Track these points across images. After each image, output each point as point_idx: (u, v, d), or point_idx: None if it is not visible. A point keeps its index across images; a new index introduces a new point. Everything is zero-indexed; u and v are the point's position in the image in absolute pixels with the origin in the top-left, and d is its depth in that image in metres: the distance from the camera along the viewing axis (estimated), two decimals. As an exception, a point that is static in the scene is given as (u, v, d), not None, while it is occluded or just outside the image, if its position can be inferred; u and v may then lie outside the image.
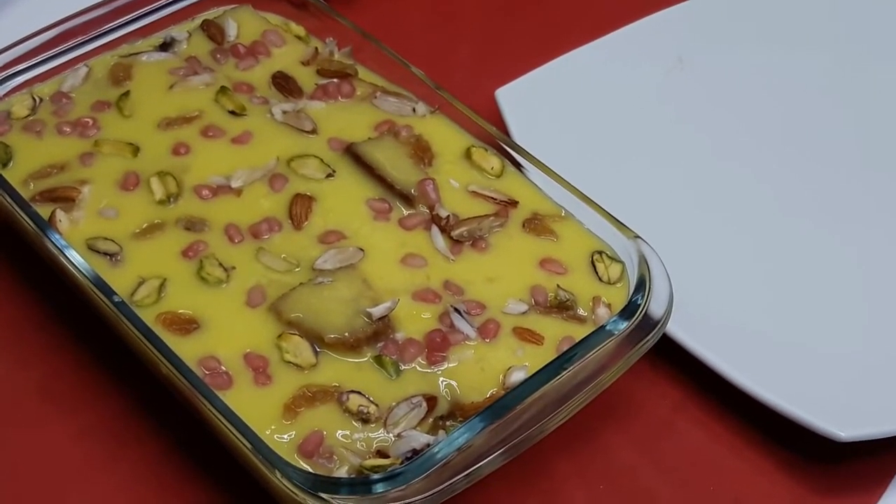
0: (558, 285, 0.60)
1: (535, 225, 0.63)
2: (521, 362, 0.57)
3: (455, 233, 0.62)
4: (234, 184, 0.64)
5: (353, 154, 0.66)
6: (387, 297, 0.59)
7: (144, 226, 0.62)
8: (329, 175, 0.65)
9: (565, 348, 0.57)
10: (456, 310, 0.58)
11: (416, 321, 0.58)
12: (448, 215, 0.62)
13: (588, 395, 0.56)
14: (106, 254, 0.60)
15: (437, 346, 0.57)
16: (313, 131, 0.67)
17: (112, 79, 0.70)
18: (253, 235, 0.62)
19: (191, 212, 0.62)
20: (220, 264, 0.60)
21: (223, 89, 0.68)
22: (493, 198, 0.64)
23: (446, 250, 0.61)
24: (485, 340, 0.58)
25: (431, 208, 0.63)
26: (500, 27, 0.87)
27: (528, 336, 0.58)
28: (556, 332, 0.58)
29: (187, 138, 0.66)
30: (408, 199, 0.63)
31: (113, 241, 0.61)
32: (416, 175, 0.64)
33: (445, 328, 0.58)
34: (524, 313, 0.59)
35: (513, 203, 0.64)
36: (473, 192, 0.64)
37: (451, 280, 0.60)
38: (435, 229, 0.62)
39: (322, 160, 0.65)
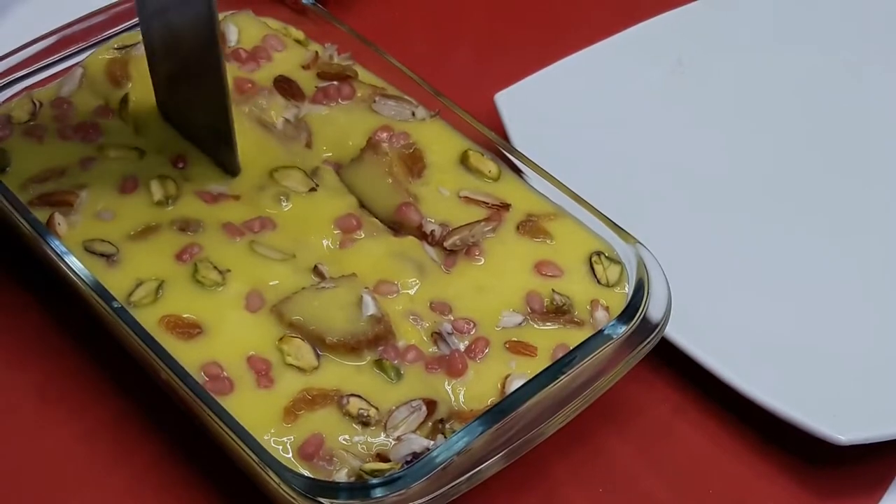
0: (553, 290, 0.60)
1: (530, 227, 0.63)
2: (515, 372, 0.57)
3: (448, 243, 0.62)
4: (233, 192, 0.64)
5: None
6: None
7: (140, 228, 0.62)
8: (312, 189, 0.65)
9: (560, 356, 0.57)
10: (440, 333, 0.58)
11: (412, 335, 0.59)
12: (433, 229, 0.62)
13: (587, 398, 0.56)
14: (103, 255, 0.60)
15: (433, 364, 0.58)
16: (308, 145, 0.67)
17: (110, 78, 0.70)
18: (248, 231, 0.62)
19: (186, 213, 0.63)
20: (216, 267, 0.60)
21: None
22: (484, 202, 0.64)
23: (440, 263, 0.62)
24: (475, 360, 0.58)
25: (418, 227, 0.63)
26: (499, 31, 0.87)
27: (521, 349, 0.58)
28: (551, 342, 0.58)
29: (185, 151, 0.66)
30: (393, 227, 0.64)
31: (109, 242, 0.61)
32: (395, 199, 0.64)
33: (437, 349, 0.58)
34: (519, 325, 0.59)
35: (505, 206, 0.64)
36: (466, 197, 0.64)
37: (440, 298, 0.60)
38: (426, 245, 0.62)
39: (305, 173, 0.65)
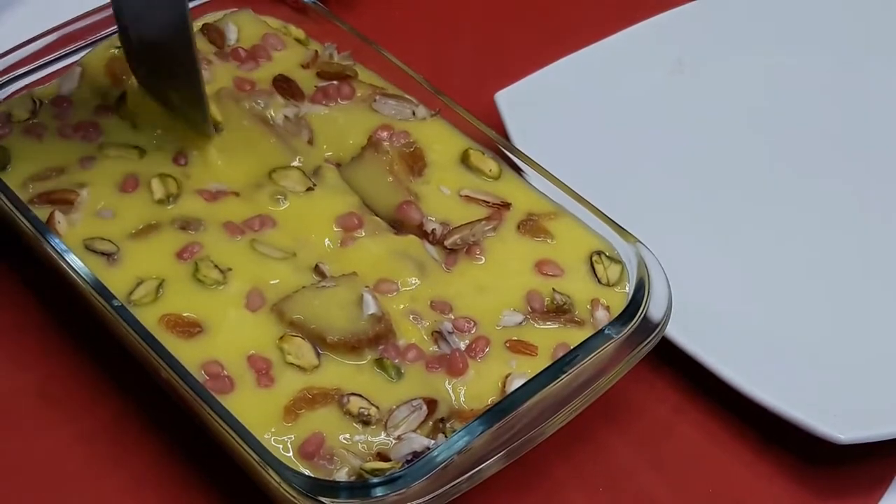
0: (554, 289, 0.60)
1: (531, 226, 0.63)
2: (516, 371, 0.57)
3: (448, 242, 0.62)
4: (232, 188, 0.64)
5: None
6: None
7: (140, 227, 0.62)
8: (309, 188, 0.65)
9: (560, 355, 0.57)
10: (440, 332, 0.58)
11: (413, 334, 0.59)
12: (434, 228, 0.63)
13: (587, 398, 0.56)
14: (103, 253, 0.60)
15: (433, 363, 0.58)
16: (310, 142, 0.67)
17: (109, 75, 0.70)
18: (249, 229, 0.62)
19: (187, 212, 0.63)
20: (216, 266, 0.60)
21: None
22: (485, 201, 0.64)
23: (441, 262, 0.62)
24: (475, 359, 0.58)
25: (419, 226, 0.63)
26: (499, 30, 0.87)
27: (521, 348, 0.58)
28: (552, 341, 0.58)
29: (187, 148, 0.66)
30: (393, 226, 0.64)
31: (110, 241, 0.61)
32: (396, 197, 0.64)
33: (437, 348, 0.58)
34: (520, 324, 0.59)
35: (506, 205, 0.64)
36: (466, 196, 0.64)
37: (441, 297, 0.60)
38: (427, 244, 0.62)
39: (304, 173, 0.65)
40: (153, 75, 0.67)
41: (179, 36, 0.62)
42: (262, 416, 0.54)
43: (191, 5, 0.74)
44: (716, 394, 0.63)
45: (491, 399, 0.56)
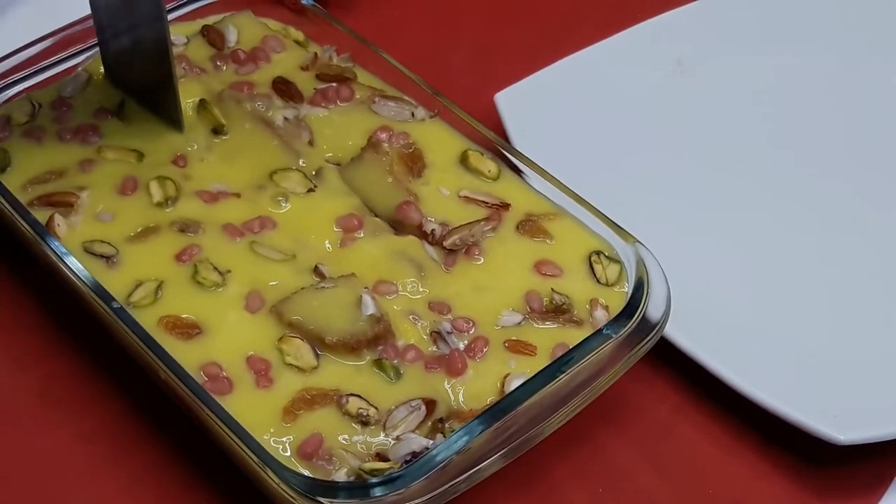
0: (553, 289, 0.60)
1: (530, 226, 0.63)
2: (515, 371, 0.57)
3: (447, 242, 0.62)
4: (233, 189, 0.64)
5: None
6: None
7: (140, 229, 0.62)
8: (310, 190, 0.65)
9: (559, 355, 0.57)
10: (439, 332, 0.58)
11: (412, 334, 0.59)
12: (434, 228, 0.63)
13: (586, 397, 0.56)
14: (102, 256, 0.60)
15: (432, 364, 0.58)
16: (310, 143, 0.67)
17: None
18: (248, 231, 0.62)
19: (186, 214, 0.63)
20: (216, 268, 0.60)
21: (202, 102, 0.68)
22: (484, 201, 0.64)
23: (440, 262, 0.62)
24: (474, 359, 0.58)
25: (419, 226, 0.63)
26: (499, 31, 0.87)
27: (520, 348, 0.58)
28: (550, 341, 0.58)
29: (185, 150, 0.67)
30: (393, 226, 0.64)
31: (109, 243, 0.61)
32: (396, 197, 0.64)
33: (436, 349, 0.58)
34: (519, 324, 0.59)
35: (505, 206, 0.64)
36: (465, 197, 0.64)
37: (440, 297, 0.60)
38: (426, 244, 0.62)
39: (304, 174, 0.65)
40: (125, 66, 0.68)
41: (150, 20, 0.64)
42: (260, 417, 0.54)
43: (191, 7, 0.75)
44: (715, 394, 0.63)
45: (490, 399, 0.56)
